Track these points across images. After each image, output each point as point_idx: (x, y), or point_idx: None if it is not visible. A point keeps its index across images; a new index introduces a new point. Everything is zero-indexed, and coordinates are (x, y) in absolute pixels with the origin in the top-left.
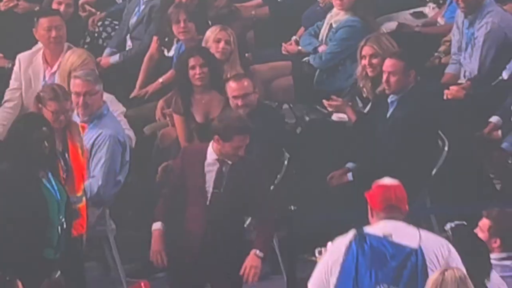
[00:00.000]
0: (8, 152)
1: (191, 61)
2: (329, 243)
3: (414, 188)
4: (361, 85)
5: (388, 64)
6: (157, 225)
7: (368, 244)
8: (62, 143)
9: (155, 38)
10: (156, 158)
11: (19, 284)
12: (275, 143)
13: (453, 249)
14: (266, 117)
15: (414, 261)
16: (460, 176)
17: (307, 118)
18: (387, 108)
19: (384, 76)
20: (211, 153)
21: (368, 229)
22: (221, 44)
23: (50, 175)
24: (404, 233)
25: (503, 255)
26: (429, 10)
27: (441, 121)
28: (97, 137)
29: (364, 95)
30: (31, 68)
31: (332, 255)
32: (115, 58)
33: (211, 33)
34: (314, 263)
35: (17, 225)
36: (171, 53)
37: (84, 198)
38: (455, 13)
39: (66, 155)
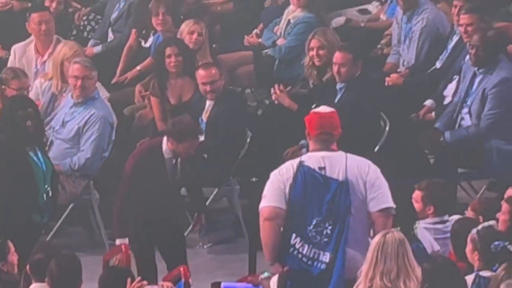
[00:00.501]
0: (0, 127)
1: (168, 50)
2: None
3: None
4: (307, 74)
5: (338, 56)
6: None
7: (306, 176)
8: None
9: (133, 30)
10: (135, 136)
11: (10, 244)
12: (238, 123)
13: (373, 168)
14: (230, 101)
15: (341, 194)
16: (399, 152)
17: (267, 102)
18: (335, 94)
19: (335, 68)
20: (166, 151)
21: (307, 161)
22: (194, 36)
23: (37, 149)
24: (333, 165)
25: (436, 219)
26: (373, 7)
27: (383, 105)
28: (90, 117)
29: (310, 82)
30: (24, 58)
31: (281, 177)
32: (98, 48)
33: (185, 26)
34: None
35: (7, 193)
36: (148, 44)
37: None
38: (395, 10)
39: None
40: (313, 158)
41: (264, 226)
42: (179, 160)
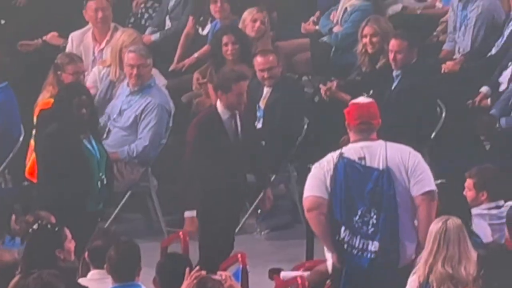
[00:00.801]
0: (55, 116)
1: (225, 39)
2: None
3: (416, 149)
4: (361, 61)
5: (394, 43)
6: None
7: (346, 167)
8: None
9: (191, 17)
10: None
11: (67, 231)
12: (296, 110)
13: (413, 154)
14: (288, 88)
15: (382, 183)
16: (455, 138)
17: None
18: (391, 81)
19: (391, 55)
20: (223, 112)
21: (347, 152)
22: (257, 24)
23: (91, 137)
24: (373, 155)
25: (491, 205)
26: None
27: (439, 92)
28: (146, 104)
29: (363, 69)
30: (82, 45)
31: (322, 169)
32: (156, 36)
33: (248, 14)
34: None
35: (63, 181)
36: (206, 31)
37: None
38: None
39: None
40: (353, 149)
41: (309, 217)
42: (238, 119)
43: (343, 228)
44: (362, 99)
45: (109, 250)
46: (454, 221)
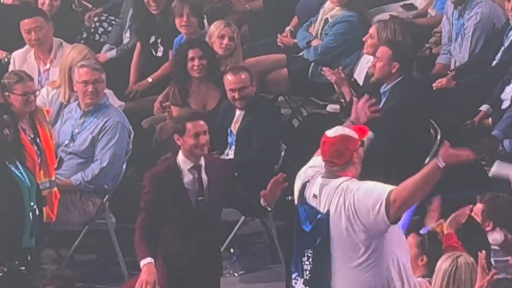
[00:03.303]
0: None
1: (191, 53)
2: None
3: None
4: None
5: (380, 50)
6: (147, 260)
7: (302, 202)
8: (32, 129)
9: (138, 44)
10: (155, 152)
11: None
12: (272, 135)
13: (352, 190)
14: (263, 110)
15: (319, 226)
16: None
17: (304, 112)
18: (380, 99)
19: (374, 61)
20: (184, 162)
21: (308, 187)
22: (225, 41)
23: (17, 162)
24: (324, 196)
25: (497, 238)
26: (419, 1)
27: (432, 111)
28: (104, 123)
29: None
30: (25, 66)
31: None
32: (112, 53)
33: (215, 29)
34: None
35: None
36: (160, 53)
37: (55, 183)
38: (445, 4)
39: (38, 140)
40: (314, 184)
41: None
42: (202, 171)
43: (292, 269)
44: (335, 132)
45: None
46: (466, 259)
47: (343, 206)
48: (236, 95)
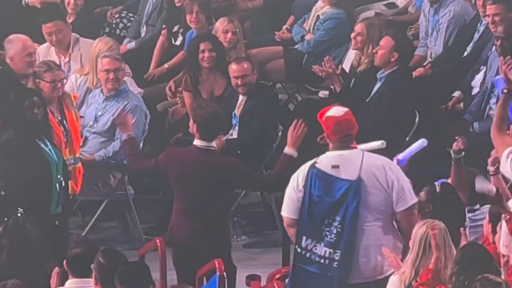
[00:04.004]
0: (8, 122)
1: (201, 46)
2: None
3: (391, 152)
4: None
5: (384, 39)
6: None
7: (316, 178)
8: (60, 112)
9: (164, 31)
10: (168, 132)
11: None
12: (271, 117)
13: (391, 167)
14: (262, 95)
15: (351, 193)
16: (429, 143)
17: (299, 98)
18: (374, 83)
19: (376, 49)
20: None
21: (321, 161)
22: (229, 35)
23: (45, 139)
24: (348, 164)
25: (467, 208)
26: (400, 1)
27: (413, 97)
28: (124, 106)
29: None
30: (48, 59)
31: (293, 185)
32: (132, 44)
33: (220, 25)
34: None
35: (25, 186)
36: (178, 42)
37: (80, 159)
38: (422, 2)
39: (64, 121)
40: (328, 157)
41: (288, 231)
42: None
43: (304, 238)
44: (338, 112)
45: (96, 258)
46: (439, 225)
47: (385, 180)
48: (239, 82)
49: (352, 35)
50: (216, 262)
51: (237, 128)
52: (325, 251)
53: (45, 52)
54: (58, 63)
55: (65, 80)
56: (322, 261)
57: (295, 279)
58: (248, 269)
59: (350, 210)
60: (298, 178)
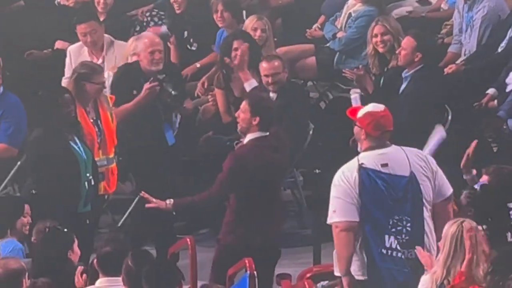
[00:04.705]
0: (38, 120)
1: (235, 44)
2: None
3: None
4: (370, 62)
5: (405, 40)
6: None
7: (371, 179)
8: (95, 112)
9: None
10: (198, 130)
11: (74, 236)
12: (301, 115)
13: (430, 158)
14: (293, 93)
15: (412, 188)
16: (462, 141)
17: (330, 96)
18: (400, 83)
19: (398, 50)
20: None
21: (366, 162)
22: (258, 33)
23: (75, 137)
24: (396, 161)
25: None
26: None
27: (445, 94)
28: None
29: (373, 71)
30: (80, 59)
31: (346, 188)
32: (164, 28)
33: (249, 22)
34: None
35: (54, 183)
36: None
37: (115, 160)
38: None
39: (99, 121)
40: (372, 157)
41: (340, 236)
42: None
43: (387, 237)
44: (377, 108)
45: (125, 260)
46: (470, 224)
47: (429, 171)
48: (270, 80)
49: (375, 40)
50: (246, 261)
51: None
52: (403, 253)
53: (77, 52)
54: None
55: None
56: (402, 256)
57: (382, 281)
58: (279, 268)
59: (415, 206)
60: (349, 181)
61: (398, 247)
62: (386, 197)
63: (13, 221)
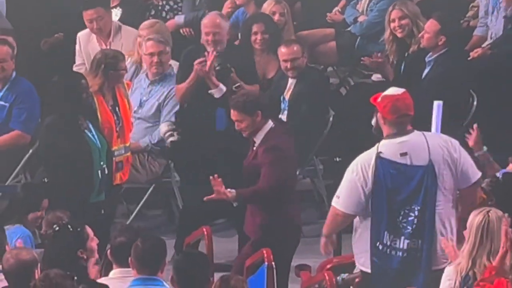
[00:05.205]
0: (53, 105)
1: (255, 27)
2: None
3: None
4: (388, 49)
5: (428, 23)
6: None
7: (386, 169)
8: (113, 99)
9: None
10: None
11: (89, 230)
12: (321, 101)
13: (454, 143)
14: (312, 78)
15: (427, 179)
16: (489, 127)
17: (351, 82)
18: (423, 68)
19: (421, 33)
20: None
21: (385, 151)
22: (276, 17)
23: (90, 125)
24: (416, 150)
25: None
26: None
27: (470, 79)
28: (169, 91)
29: (391, 58)
30: (89, 45)
31: (358, 178)
32: (180, 18)
33: (267, 6)
34: None
35: (66, 172)
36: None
37: (129, 149)
38: None
39: (117, 109)
40: (391, 146)
41: (334, 218)
42: None
43: (386, 234)
44: (395, 91)
45: (135, 242)
46: (495, 213)
47: (451, 158)
48: (289, 65)
49: (393, 25)
50: (264, 252)
51: (286, 112)
52: (407, 244)
53: (86, 38)
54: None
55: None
56: (404, 254)
57: (377, 277)
58: (298, 259)
59: (429, 197)
60: (363, 171)
61: (394, 245)
62: (400, 188)
63: (27, 212)
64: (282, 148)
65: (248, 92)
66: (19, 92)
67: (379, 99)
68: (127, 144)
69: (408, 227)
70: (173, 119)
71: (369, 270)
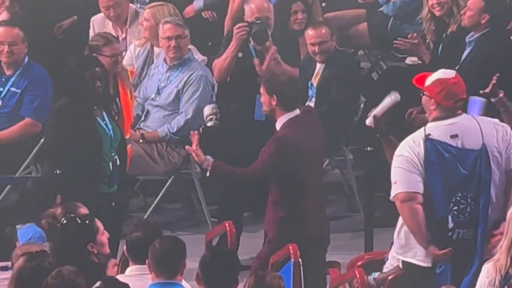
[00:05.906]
0: (65, 89)
1: (294, 7)
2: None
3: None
4: (425, 28)
5: (472, 0)
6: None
7: (438, 152)
8: (113, 88)
9: None
10: None
11: (99, 224)
12: (351, 87)
13: (502, 125)
14: (342, 63)
15: (481, 164)
16: None
17: (384, 66)
18: (462, 49)
19: (463, 10)
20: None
21: (434, 133)
22: None
23: (104, 113)
24: (468, 132)
25: None
26: None
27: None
28: (188, 77)
29: (428, 38)
30: (104, 31)
31: (410, 160)
32: (199, 3)
33: None
34: (388, 201)
35: (75, 159)
36: None
37: (129, 141)
38: None
39: (117, 99)
40: (441, 127)
41: (402, 209)
42: None
43: (450, 219)
44: (447, 74)
45: (152, 243)
46: None
47: (503, 141)
48: (316, 49)
49: (431, 2)
50: (290, 248)
51: (313, 99)
52: (459, 233)
53: (100, 23)
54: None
55: (123, 53)
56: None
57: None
58: (327, 255)
59: (483, 183)
60: (414, 153)
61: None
62: (452, 173)
63: (40, 209)
64: (288, 141)
65: (283, 73)
66: (32, 78)
67: (429, 83)
68: (127, 137)
69: (460, 215)
70: (191, 108)
71: (423, 264)
